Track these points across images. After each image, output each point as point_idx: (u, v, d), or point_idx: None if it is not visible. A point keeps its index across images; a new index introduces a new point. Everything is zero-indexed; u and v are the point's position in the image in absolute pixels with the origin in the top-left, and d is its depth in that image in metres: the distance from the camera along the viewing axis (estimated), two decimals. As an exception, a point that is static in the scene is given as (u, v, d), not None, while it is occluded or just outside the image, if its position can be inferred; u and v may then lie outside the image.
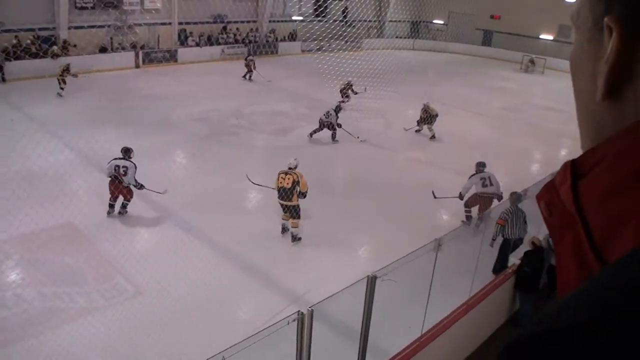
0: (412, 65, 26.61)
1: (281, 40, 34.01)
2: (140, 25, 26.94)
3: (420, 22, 41.45)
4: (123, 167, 10.57)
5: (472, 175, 11.51)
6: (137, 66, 26.33)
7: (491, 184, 11.28)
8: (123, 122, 16.25)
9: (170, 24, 29.00)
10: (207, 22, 30.35)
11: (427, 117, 17.26)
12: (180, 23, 29.26)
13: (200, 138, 16.03)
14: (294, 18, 33.04)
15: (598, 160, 0.51)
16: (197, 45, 29.77)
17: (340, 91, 20.82)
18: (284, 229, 10.43)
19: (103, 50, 25.71)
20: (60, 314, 7.65)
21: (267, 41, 32.89)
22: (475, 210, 11.46)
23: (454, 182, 13.64)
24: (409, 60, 27.34)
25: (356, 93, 21.13)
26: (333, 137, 16.71)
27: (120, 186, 10.58)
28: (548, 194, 0.57)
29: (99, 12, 24.88)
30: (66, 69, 19.48)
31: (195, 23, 29.48)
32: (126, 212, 10.82)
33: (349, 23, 33.50)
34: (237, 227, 10.44)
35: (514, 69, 33.94)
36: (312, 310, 4.81)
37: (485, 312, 8.15)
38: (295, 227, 10.16)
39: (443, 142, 17.27)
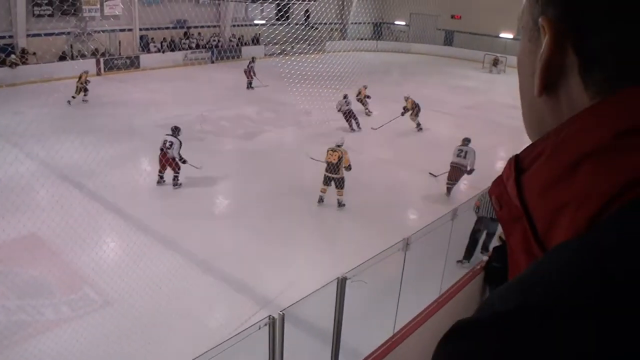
0: (376, 66, 26.76)
1: (244, 45, 33.86)
2: (100, 32, 26.56)
3: (382, 23, 41.83)
4: (169, 142, 12.37)
5: (456, 147, 13.02)
6: (99, 73, 25.91)
7: (465, 157, 12.61)
8: (85, 131, 15.97)
9: (131, 30, 28.65)
10: (169, 28, 30.05)
11: (414, 108, 18.54)
12: (141, 29, 28.91)
13: (165, 144, 15.83)
14: (256, 22, 32.95)
15: (538, 155, 0.53)
16: (159, 51, 29.46)
17: (360, 100, 20.34)
18: (321, 200, 12.15)
19: (63, 58, 25.25)
20: (27, 328, 7.47)
21: (230, 45, 32.71)
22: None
23: (419, 180, 13.82)
24: (372, 61, 27.49)
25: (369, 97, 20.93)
26: (357, 124, 17.78)
27: (166, 158, 12.34)
28: (497, 188, 0.59)
29: (58, 20, 24.40)
30: (85, 77, 19.65)
31: (156, 29, 29.13)
32: (179, 184, 12.56)
33: (311, 26, 33.56)
34: (205, 233, 10.36)
35: (475, 67, 34.41)
36: (283, 314, 4.80)
37: (457, 309, 8.22)
38: (341, 196, 12.00)
39: (408, 142, 17.43)
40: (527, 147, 0.56)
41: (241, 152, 15.71)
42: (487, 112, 22.23)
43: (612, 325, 0.37)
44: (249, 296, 8.58)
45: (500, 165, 15.71)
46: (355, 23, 40.57)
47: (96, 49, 26.35)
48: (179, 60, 29.65)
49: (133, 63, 27.50)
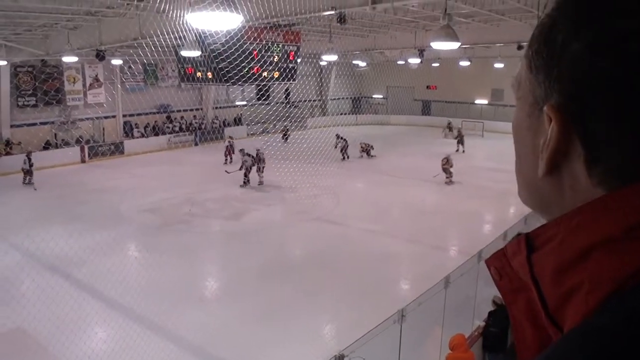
0: (356, 139, 27.13)
1: (227, 126, 34.28)
2: (84, 119, 26.92)
3: (360, 97, 42.84)
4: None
5: None
6: (83, 161, 26.09)
7: None
8: (71, 219, 15.89)
9: (114, 117, 29.08)
10: (152, 113, 30.56)
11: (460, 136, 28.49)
12: (124, 115, 29.38)
13: (152, 229, 15.76)
14: (237, 103, 33.53)
15: (549, 238, 0.56)
16: (143, 136, 29.82)
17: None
18: None
19: (47, 146, 25.45)
20: None
21: (213, 127, 33.13)
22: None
23: (407, 249, 13.82)
24: (353, 134, 27.93)
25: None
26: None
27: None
28: (498, 261, 0.63)
29: (42, 109, 24.81)
30: None
31: (140, 114, 29.60)
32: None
33: (292, 104, 34.31)
34: (198, 318, 10.15)
35: (453, 135, 34.92)
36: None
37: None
38: None
39: (394, 211, 17.54)
40: (539, 228, 0.58)
41: (229, 233, 15.67)
42: (470, 177, 22.44)
43: None
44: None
45: (487, 229, 15.83)
46: (335, 99, 41.54)
47: (80, 137, 26.63)
48: (163, 144, 29.94)
49: (117, 149, 27.72)
